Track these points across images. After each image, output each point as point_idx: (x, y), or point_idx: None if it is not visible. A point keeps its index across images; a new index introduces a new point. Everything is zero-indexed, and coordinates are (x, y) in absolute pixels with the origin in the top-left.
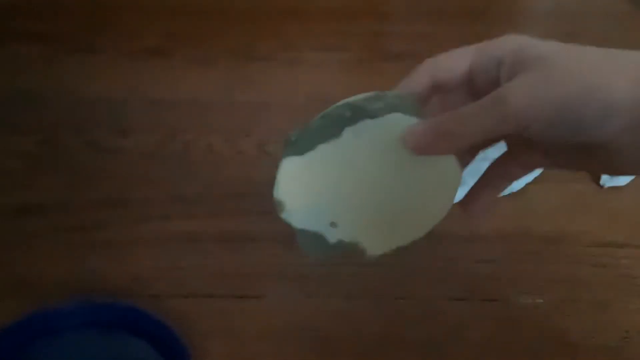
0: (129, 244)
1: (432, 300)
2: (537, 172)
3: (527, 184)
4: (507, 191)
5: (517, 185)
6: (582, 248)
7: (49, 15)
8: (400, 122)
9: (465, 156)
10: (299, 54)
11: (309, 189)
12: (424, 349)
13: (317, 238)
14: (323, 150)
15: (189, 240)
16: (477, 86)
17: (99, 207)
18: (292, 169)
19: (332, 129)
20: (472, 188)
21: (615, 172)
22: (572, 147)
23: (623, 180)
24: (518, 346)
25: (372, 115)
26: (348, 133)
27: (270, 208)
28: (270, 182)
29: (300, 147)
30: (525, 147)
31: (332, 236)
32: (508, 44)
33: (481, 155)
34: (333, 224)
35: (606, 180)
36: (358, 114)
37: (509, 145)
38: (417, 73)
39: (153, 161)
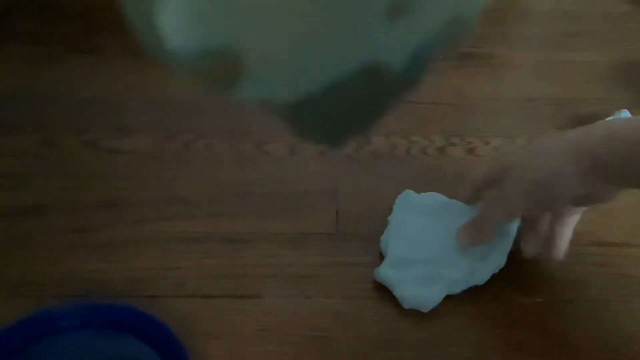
0: (128, 245)
1: None
2: None
3: None
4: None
5: None
6: (582, 247)
7: (47, 15)
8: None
9: None
10: None
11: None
12: (423, 349)
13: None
14: None
15: (188, 240)
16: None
17: (98, 208)
18: None
19: None
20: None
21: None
22: (559, 208)
23: None
24: (518, 346)
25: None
26: None
27: (270, 208)
28: (270, 182)
29: None
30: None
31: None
32: (502, 163)
33: (504, 231)
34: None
35: None
36: None
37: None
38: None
39: (152, 161)
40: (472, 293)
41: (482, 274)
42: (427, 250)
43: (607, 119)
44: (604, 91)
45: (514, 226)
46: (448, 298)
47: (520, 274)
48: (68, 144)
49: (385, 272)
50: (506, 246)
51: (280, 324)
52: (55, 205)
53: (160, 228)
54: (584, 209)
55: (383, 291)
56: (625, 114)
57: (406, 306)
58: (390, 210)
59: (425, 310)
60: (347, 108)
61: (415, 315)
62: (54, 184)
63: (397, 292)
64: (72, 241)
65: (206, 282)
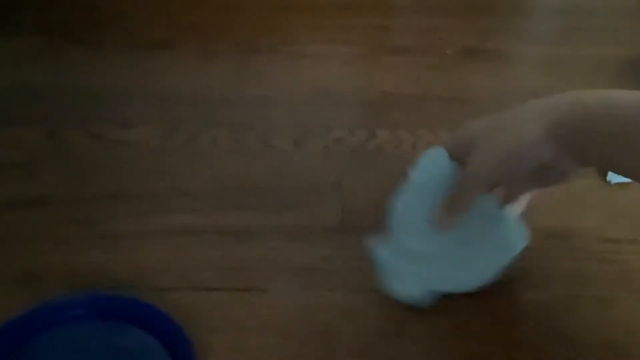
0: (133, 237)
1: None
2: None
3: None
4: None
5: None
6: (587, 244)
7: (52, 7)
8: None
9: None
10: (304, 48)
11: None
12: (427, 343)
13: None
14: None
15: (193, 233)
16: None
17: (103, 200)
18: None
19: None
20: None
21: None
22: (527, 177)
23: None
24: (521, 342)
25: None
26: None
27: (275, 201)
28: (275, 175)
29: None
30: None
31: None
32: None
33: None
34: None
35: (613, 176)
36: None
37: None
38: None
39: (157, 154)
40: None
41: (475, 280)
42: (432, 244)
43: None
44: (611, 86)
45: (517, 244)
46: (453, 294)
47: (524, 269)
48: (73, 136)
49: (385, 257)
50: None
51: (285, 317)
52: (60, 198)
53: (164, 221)
54: (535, 190)
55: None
56: None
57: (395, 297)
58: None
59: (416, 305)
60: None
61: (418, 309)
62: (59, 176)
63: (393, 284)
64: (76, 233)
65: (210, 275)
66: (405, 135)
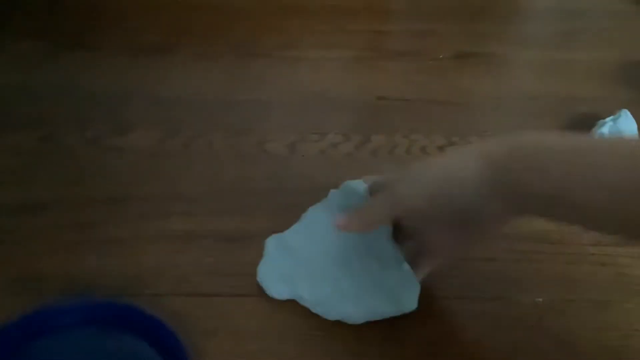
0: (128, 242)
1: (432, 299)
2: None
3: None
4: None
5: None
6: (582, 247)
7: (50, 11)
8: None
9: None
10: (301, 52)
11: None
12: (423, 348)
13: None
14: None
15: (189, 238)
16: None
17: (99, 205)
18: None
19: None
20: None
21: (483, 234)
22: (448, 221)
23: None
24: (517, 345)
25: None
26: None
27: (270, 206)
28: (270, 180)
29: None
30: (410, 235)
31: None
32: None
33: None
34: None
35: None
36: None
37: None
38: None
39: (153, 158)
40: (472, 292)
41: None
42: (323, 259)
43: (608, 118)
44: (605, 90)
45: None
46: (449, 298)
47: (519, 273)
48: (69, 140)
49: (274, 253)
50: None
51: (281, 322)
52: (55, 202)
53: (160, 225)
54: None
55: None
56: (625, 113)
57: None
58: None
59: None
60: None
61: (415, 314)
62: (55, 180)
63: (267, 280)
64: (72, 238)
65: (206, 280)
66: (400, 139)
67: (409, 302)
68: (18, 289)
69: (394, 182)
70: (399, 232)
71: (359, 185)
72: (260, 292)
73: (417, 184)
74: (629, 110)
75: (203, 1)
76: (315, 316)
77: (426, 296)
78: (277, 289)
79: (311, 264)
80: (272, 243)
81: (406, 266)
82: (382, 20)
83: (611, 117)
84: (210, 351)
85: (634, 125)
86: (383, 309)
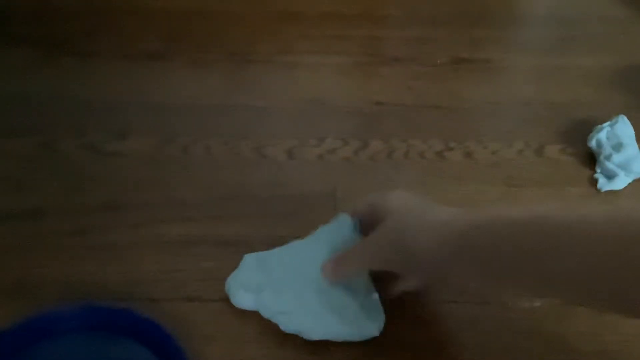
0: (127, 248)
1: (431, 303)
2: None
3: (526, 188)
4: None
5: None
6: None
7: (47, 18)
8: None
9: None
10: (297, 58)
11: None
12: (422, 351)
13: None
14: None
15: (187, 243)
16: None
17: (97, 211)
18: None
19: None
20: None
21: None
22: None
23: (620, 185)
24: (515, 349)
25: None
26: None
27: (268, 211)
28: (268, 185)
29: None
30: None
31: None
32: (378, 199)
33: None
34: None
35: (603, 184)
36: None
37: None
38: (361, 204)
39: (151, 164)
40: (470, 296)
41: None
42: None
43: (605, 123)
44: (601, 95)
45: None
46: (445, 302)
47: None
48: (66, 146)
49: (249, 266)
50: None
51: (279, 327)
52: (53, 208)
53: (158, 231)
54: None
55: (380, 293)
56: (622, 118)
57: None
58: None
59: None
60: None
61: (413, 317)
62: (53, 186)
63: (235, 290)
64: (70, 244)
65: (205, 285)
66: (398, 144)
67: (370, 329)
68: (16, 295)
69: (374, 224)
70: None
71: (346, 221)
72: None
73: (382, 242)
74: (626, 116)
75: (199, 7)
76: None
77: (425, 299)
78: (242, 298)
79: (281, 279)
80: (249, 258)
81: (375, 295)
82: (380, 26)
83: (608, 123)
84: (209, 356)
85: (631, 131)
86: (342, 330)
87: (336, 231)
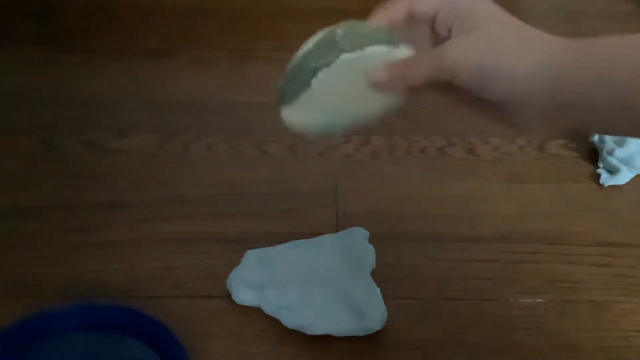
0: (127, 245)
1: (432, 300)
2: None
3: (528, 184)
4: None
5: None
6: (582, 247)
7: (47, 16)
8: (375, 54)
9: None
10: None
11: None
12: (423, 348)
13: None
14: (313, 88)
15: (188, 241)
16: (437, 26)
17: (98, 208)
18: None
19: (311, 72)
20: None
21: (514, 126)
22: (486, 101)
23: (623, 179)
24: (517, 346)
25: (351, 50)
26: (326, 74)
27: (270, 208)
28: (270, 182)
29: (288, 95)
30: (456, 96)
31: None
32: (465, 3)
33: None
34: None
35: (606, 179)
36: (336, 52)
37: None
38: (396, 3)
39: (152, 161)
40: (472, 293)
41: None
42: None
43: None
44: None
45: None
46: (447, 299)
47: (519, 274)
48: (68, 144)
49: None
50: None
51: (281, 325)
52: (54, 206)
53: (159, 228)
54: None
55: (383, 290)
56: None
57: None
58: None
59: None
60: None
61: (415, 315)
62: (54, 184)
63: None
64: (71, 241)
65: (206, 283)
66: (400, 140)
67: (372, 323)
68: (17, 293)
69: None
70: None
71: (359, 231)
72: None
73: (470, 56)
74: None
75: (200, 5)
76: None
77: (426, 297)
78: (243, 294)
79: (284, 275)
80: (251, 254)
81: (377, 290)
82: None
83: None
84: (210, 353)
85: None
86: (345, 324)
87: (347, 237)
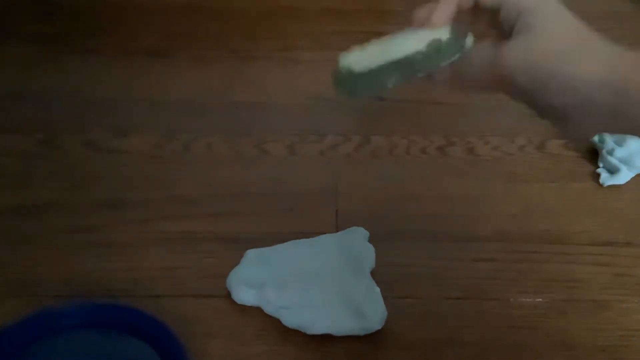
0: (128, 245)
1: (432, 300)
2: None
3: (528, 184)
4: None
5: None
6: (582, 247)
7: (48, 15)
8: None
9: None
10: (298, 54)
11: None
12: (423, 348)
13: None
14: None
15: (188, 240)
16: (501, 19)
17: (98, 208)
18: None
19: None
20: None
21: (566, 134)
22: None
23: (623, 179)
24: (517, 346)
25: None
26: None
27: (270, 207)
28: (270, 181)
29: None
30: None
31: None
32: (529, 2)
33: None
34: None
35: (606, 179)
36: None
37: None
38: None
39: (152, 161)
40: (472, 292)
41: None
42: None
43: None
44: None
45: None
46: (447, 298)
47: (520, 273)
48: (69, 144)
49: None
50: None
51: (281, 325)
52: (55, 205)
53: (160, 228)
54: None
55: (383, 290)
56: None
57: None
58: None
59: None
60: None
61: (414, 315)
62: (55, 184)
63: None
64: (72, 241)
65: (207, 282)
66: (400, 140)
67: (372, 322)
68: (18, 292)
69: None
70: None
71: (359, 231)
72: None
73: (529, 62)
74: None
75: (200, 4)
76: None
77: (426, 297)
78: (243, 294)
79: (284, 275)
80: (251, 254)
81: (377, 289)
82: (382, 22)
83: None
84: (210, 352)
85: None
86: (345, 324)
87: (347, 237)
